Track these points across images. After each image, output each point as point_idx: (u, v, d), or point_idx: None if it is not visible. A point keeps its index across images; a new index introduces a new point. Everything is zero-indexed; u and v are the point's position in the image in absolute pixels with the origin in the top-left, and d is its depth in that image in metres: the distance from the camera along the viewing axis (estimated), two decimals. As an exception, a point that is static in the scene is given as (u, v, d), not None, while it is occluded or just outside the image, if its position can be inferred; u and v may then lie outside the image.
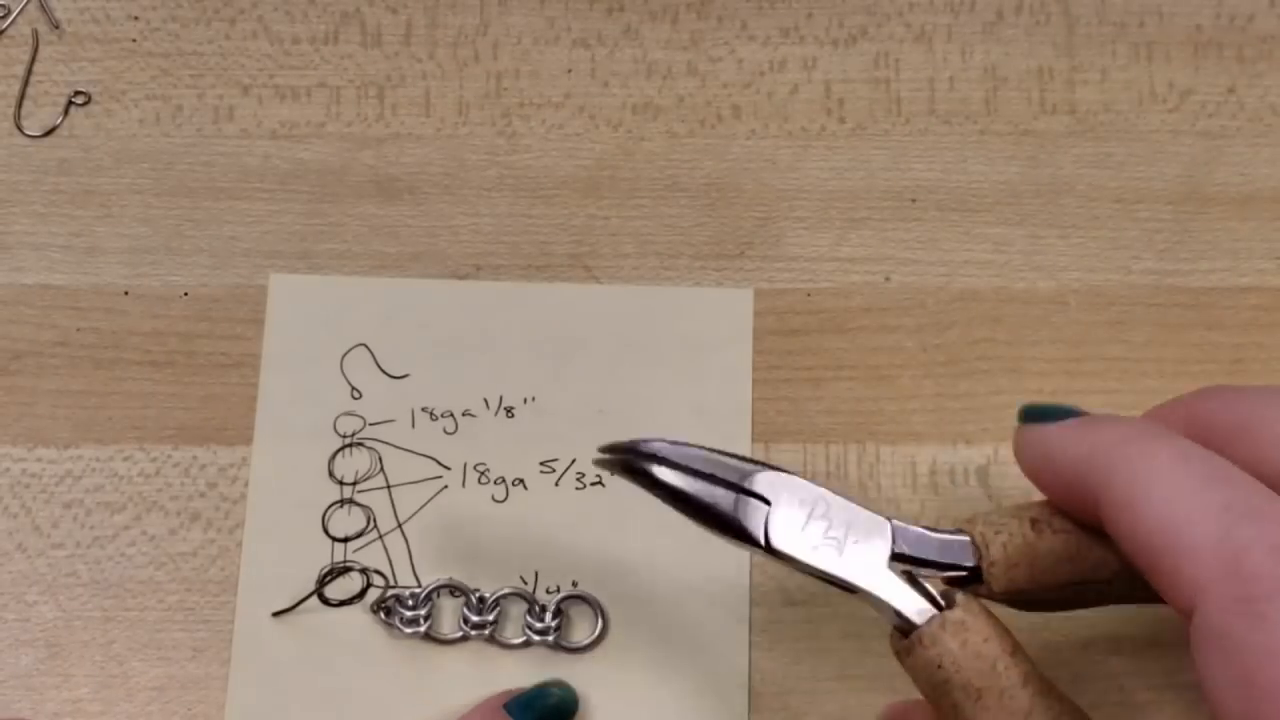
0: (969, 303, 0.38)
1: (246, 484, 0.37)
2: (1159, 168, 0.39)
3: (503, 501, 0.37)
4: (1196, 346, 0.38)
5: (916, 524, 0.29)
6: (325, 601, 0.36)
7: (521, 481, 0.37)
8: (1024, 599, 0.29)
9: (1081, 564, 0.28)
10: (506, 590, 0.35)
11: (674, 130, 0.40)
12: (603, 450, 0.30)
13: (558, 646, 0.35)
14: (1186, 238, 0.39)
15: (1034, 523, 0.28)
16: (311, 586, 0.36)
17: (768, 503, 0.29)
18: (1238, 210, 0.39)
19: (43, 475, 0.37)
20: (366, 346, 0.38)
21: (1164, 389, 0.37)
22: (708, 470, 0.29)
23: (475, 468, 0.37)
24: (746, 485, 0.29)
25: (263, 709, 0.35)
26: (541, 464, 0.37)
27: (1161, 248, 0.39)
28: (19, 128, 0.40)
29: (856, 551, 0.28)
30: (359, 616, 0.36)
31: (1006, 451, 0.37)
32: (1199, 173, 0.39)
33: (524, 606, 0.35)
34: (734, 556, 0.36)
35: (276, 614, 0.35)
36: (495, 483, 0.37)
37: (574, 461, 0.37)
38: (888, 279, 0.38)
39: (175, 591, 0.36)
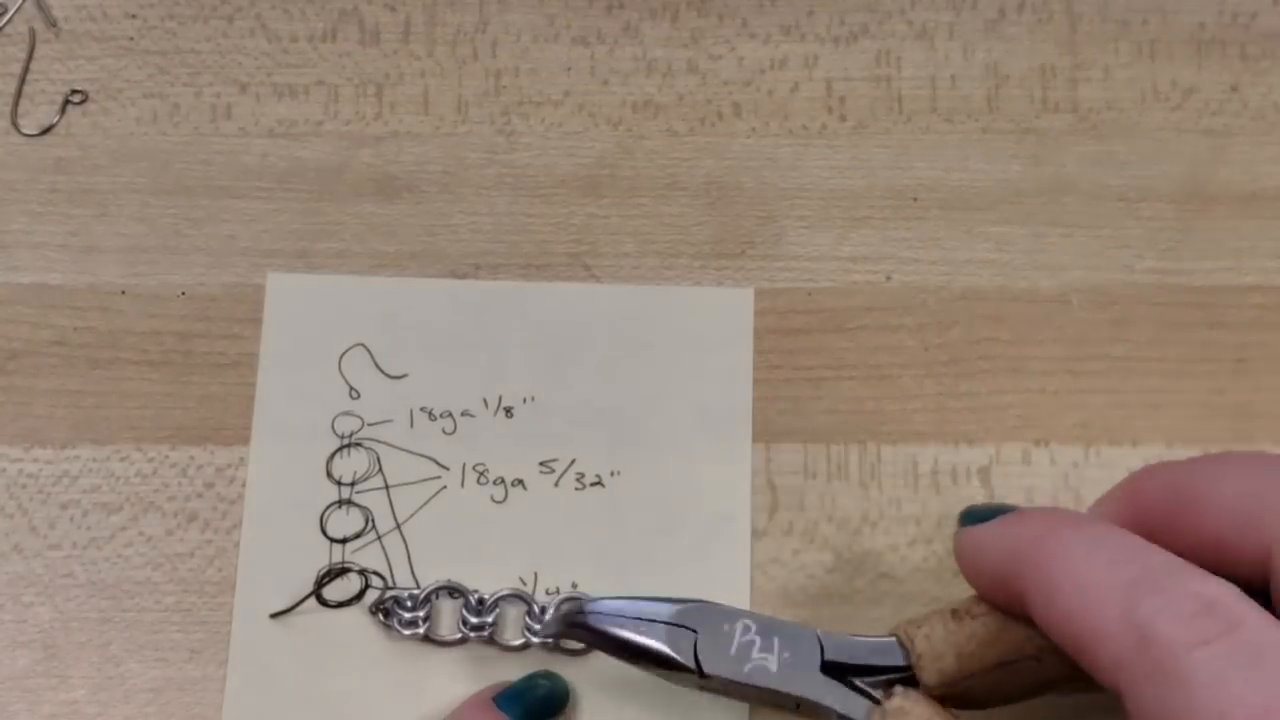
0: (971, 302, 0.38)
1: (244, 484, 0.36)
2: (1162, 166, 0.39)
3: (502, 502, 0.36)
4: (1199, 345, 0.38)
5: (846, 633, 0.30)
6: (323, 603, 0.36)
7: (521, 481, 0.37)
8: (960, 692, 0.29)
9: (1004, 643, 0.29)
10: (505, 592, 0.35)
11: (674, 128, 0.40)
12: (553, 625, 0.34)
13: (557, 648, 0.35)
14: (1189, 236, 0.39)
15: (954, 613, 0.29)
16: (310, 587, 0.36)
17: (696, 633, 0.30)
18: (1241, 209, 0.39)
19: (39, 476, 0.37)
20: (365, 346, 0.38)
21: (1166, 388, 0.37)
22: (639, 615, 0.30)
23: (474, 468, 0.37)
24: (677, 621, 0.30)
25: (260, 711, 0.35)
26: (541, 464, 0.37)
27: (1164, 246, 0.38)
28: (15, 126, 0.40)
29: (789, 664, 0.30)
30: (357, 618, 0.35)
31: (1009, 451, 0.37)
32: (1202, 171, 0.39)
33: (523, 608, 0.35)
34: (734, 558, 0.36)
35: (274, 615, 0.35)
36: (494, 483, 0.37)
37: (574, 461, 0.37)
38: (889, 278, 0.38)
39: (172, 592, 0.36)
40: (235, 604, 0.36)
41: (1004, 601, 0.29)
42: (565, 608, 0.33)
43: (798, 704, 0.30)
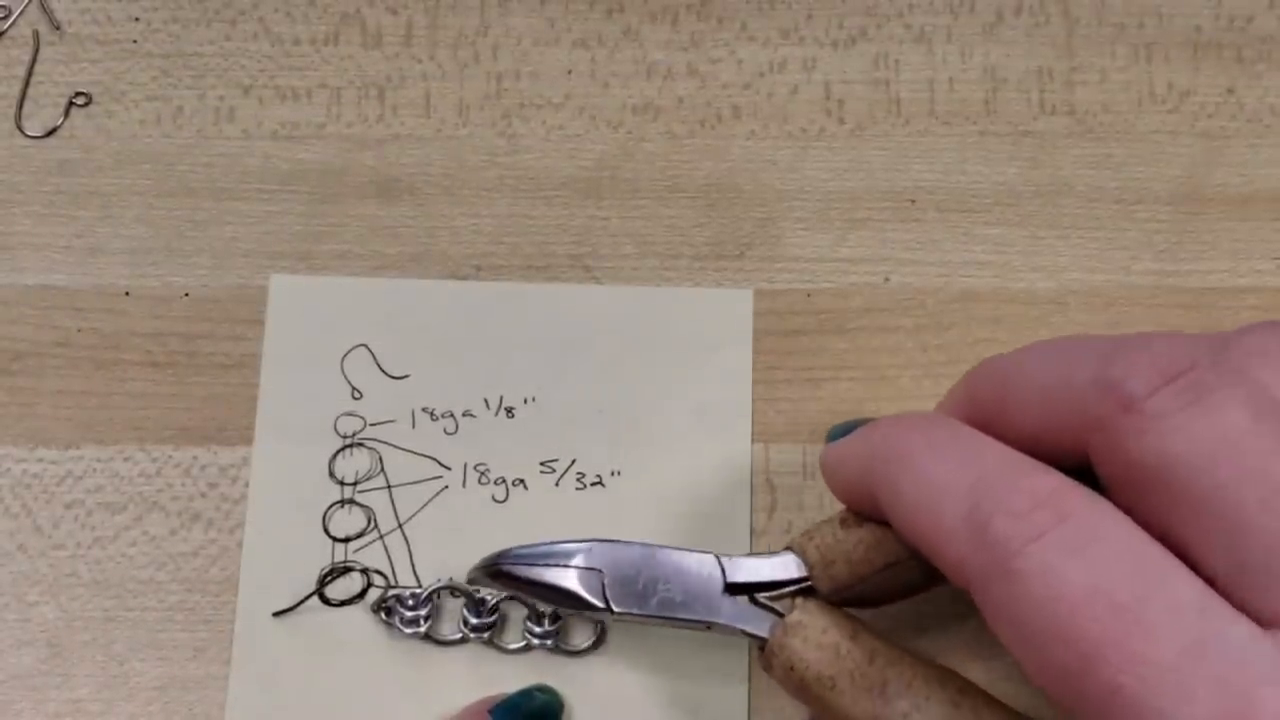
0: (968, 303, 0.38)
1: (247, 484, 0.37)
2: (1158, 168, 0.39)
3: (503, 502, 0.37)
4: (1196, 347, 0.38)
5: (745, 554, 0.32)
6: (326, 602, 0.36)
7: (521, 482, 0.37)
8: (856, 595, 0.31)
9: (889, 547, 0.30)
10: (507, 594, 0.35)
11: (674, 131, 0.40)
12: (474, 571, 0.34)
13: (558, 649, 0.35)
14: (1185, 238, 0.39)
15: (842, 521, 0.31)
16: (312, 586, 0.36)
17: (603, 572, 0.32)
18: (1237, 211, 0.39)
19: (44, 476, 0.37)
20: (367, 347, 0.38)
21: (1163, 389, 0.37)
22: (548, 559, 0.33)
23: (475, 468, 0.37)
24: (582, 563, 0.32)
25: (263, 709, 0.35)
26: (541, 464, 0.37)
27: (1161, 248, 0.39)
28: (20, 128, 0.40)
29: (693, 592, 0.32)
30: (359, 617, 0.36)
31: (1006, 452, 0.37)
32: (1198, 173, 0.39)
33: (524, 609, 0.35)
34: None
35: (277, 614, 0.36)
36: (495, 483, 0.37)
37: (574, 461, 0.37)
38: (887, 280, 0.38)
39: (176, 592, 0.36)
40: (238, 603, 0.36)
41: (867, 509, 0.30)
42: (484, 560, 0.34)
43: (708, 625, 0.31)
